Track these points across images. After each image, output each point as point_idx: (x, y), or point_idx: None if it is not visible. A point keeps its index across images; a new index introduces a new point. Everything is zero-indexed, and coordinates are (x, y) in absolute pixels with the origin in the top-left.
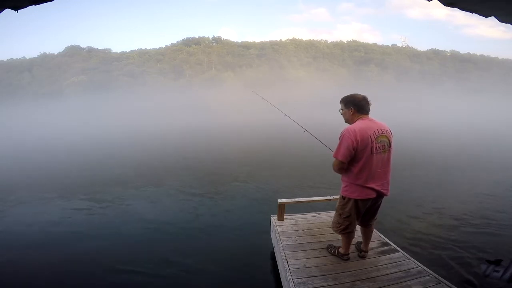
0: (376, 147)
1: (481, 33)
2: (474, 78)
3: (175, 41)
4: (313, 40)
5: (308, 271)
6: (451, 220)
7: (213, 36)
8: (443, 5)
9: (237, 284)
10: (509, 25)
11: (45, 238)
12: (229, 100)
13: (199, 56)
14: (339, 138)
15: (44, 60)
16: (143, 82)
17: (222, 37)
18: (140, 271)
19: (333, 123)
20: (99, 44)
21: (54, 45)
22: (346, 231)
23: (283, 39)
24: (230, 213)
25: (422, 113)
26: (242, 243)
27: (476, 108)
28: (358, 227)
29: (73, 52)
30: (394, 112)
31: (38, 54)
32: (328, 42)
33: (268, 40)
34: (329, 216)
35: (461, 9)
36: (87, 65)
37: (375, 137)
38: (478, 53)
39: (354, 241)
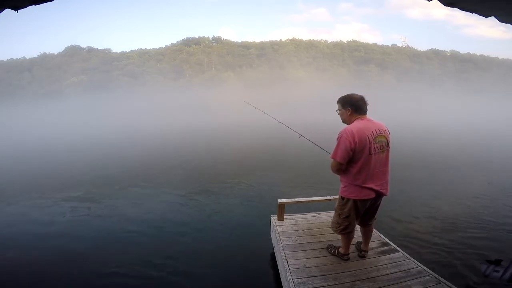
0: (374, 148)
1: (481, 33)
2: (474, 78)
3: (175, 41)
4: (313, 40)
5: (308, 271)
6: (451, 220)
7: (213, 36)
8: (443, 5)
9: (237, 284)
10: (509, 25)
11: (43, 238)
12: (229, 100)
13: (199, 56)
14: (337, 139)
15: (44, 60)
16: (143, 82)
17: (222, 37)
18: (140, 271)
19: (334, 123)
20: (99, 44)
21: (54, 45)
22: (345, 231)
23: (283, 39)
24: (230, 213)
25: (422, 113)
26: (242, 243)
27: (476, 108)
28: (357, 227)
29: (73, 52)
30: (394, 112)
31: (38, 54)
32: (328, 42)
33: (268, 40)
34: (329, 216)
35: (461, 9)
36: (87, 65)
37: (373, 137)
38: (478, 53)
39: (354, 241)
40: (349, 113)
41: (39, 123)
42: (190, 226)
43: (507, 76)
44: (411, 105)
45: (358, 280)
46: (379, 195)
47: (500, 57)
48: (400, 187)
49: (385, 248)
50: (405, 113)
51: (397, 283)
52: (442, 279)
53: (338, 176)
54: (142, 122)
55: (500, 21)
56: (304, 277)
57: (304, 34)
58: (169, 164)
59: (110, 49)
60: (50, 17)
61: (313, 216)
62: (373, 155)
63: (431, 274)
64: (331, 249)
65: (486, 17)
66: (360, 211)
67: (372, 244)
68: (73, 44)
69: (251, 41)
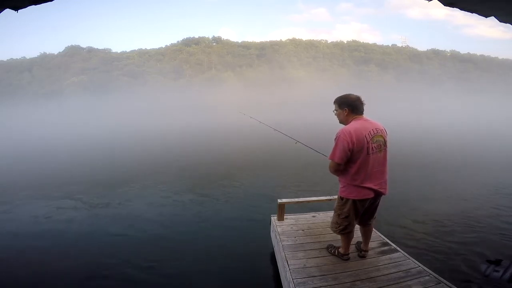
0: (372, 147)
1: (481, 33)
2: (474, 78)
3: (175, 41)
4: (313, 40)
5: (308, 271)
6: (451, 220)
7: (213, 36)
8: (443, 5)
9: (237, 284)
10: (509, 25)
11: (41, 238)
12: (229, 100)
13: (199, 56)
14: (335, 140)
15: (44, 60)
16: (143, 82)
17: (222, 37)
18: (139, 271)
19: (334, 123)
20: (99, 44)
21: (54, 45)
22: (345, 231)
23: (283, 39)
24: (230, 213)
25: (422, 113)
26: (242, 243)
27: (476, 108)
28: (357, 227)
29: (73, 52)
30: (394, 112)
31: (38, 54)
32: (328, 42)
33: (268, 40)
34: (329, 216)
35: (461, 9)
36: (87, 65)
37: (371, 137)
38: (478, 53)
39: (354, 241)
40: (346, 113)
41: (39, 123)
42: (190, 226)
43: (507, 76)
44: (411, 105)
45: (358, 280)
46: (378, 194)
47: (500, 57)
48: (400, 187)
49: (385, 248)
50: (405, 113)
51: (397, 283)
52: (442, 279)
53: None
54: (142, 122)
55: (500, 21)
56: (304, 277)
57: (304, 34)
58: (169, 164)
59: (110, 49)
60: (50, 17)
61: (313, 216)
62: (371, 154)
63: (431, 274)
64: (331, 249)
65: (486, 17)
66: (359, 211)
67: (372, 244)
68: (73, 44)
69: (251, 41)
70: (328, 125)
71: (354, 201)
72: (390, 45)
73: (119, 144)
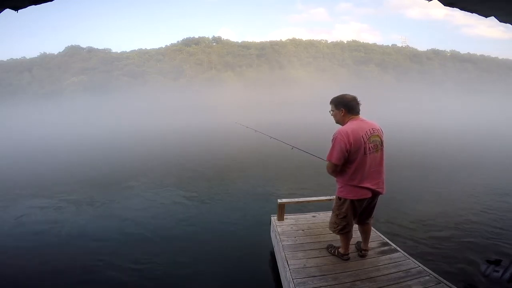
0: (369, 147)
1: (480, 33)
2: (474, 78)
3: (175, 41)
4: (313, 40)
5: (308, 271)
6: (452, 220)
7: (213, 36)
8: (443, 5)
9: (237, 284)
10: (509, 25)
11: (40, 238)
12: (229, 100)
13: (199, 56)
14: (332, 141)
15: (44, 60)
16: (143, 82)
17: (222, 37)
18: (139, 271)
19: (334, 124)
20: (99, 44)
21: (54, 45)
22: (343, 231)
23: (283, 39)
24: (230, 213)
25: (422, 113)
26: (242, 243)
27: (476, 108)
28: (355, 227)
29: (73, 52)
30: (394, 112)
31: (38, 54)
32: (328, 42)
33: (268, 40)
34: (329, 216)
35: (461, 9)
36: (87, 65)
37: (367, 137)
38: (478, 53)
39: (353, 241)
40: (342, 113)
41: (39, 123)
42: (190, 226)
43: (507, 76)
44: (411, 105)
45: (358, 280)
46: (375, 194)
47: (500, 57)
48: (400, 187)
49: (385, 248)
50: (405, 113)
51: (397, 283)
52: (442, 279)
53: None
54: (142, 122)
55: (500, 21)
56: (304, 277)
57: (304, 34)
58: (168, 164)
59: (110, 49)
60: (50, 17)
61: (313, 216)
62: (368, 155)
63: (431, 274)
64: (331, 249)
65: (486, 17)
66: (357, 211)
67: (372, 244)
68: (73, 44)
69: (251, 41)
70: (328, 125)
71: (352, 201)
72: (390, 45)
73: (119, 144)
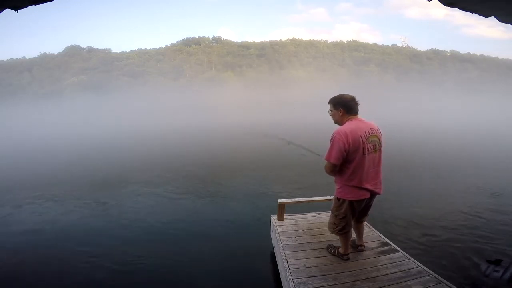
0: (367, 148)
1: (480, 33)
2: (474, 78)
3: (175, 41)
4: (313, 40)
5: (308, 271)
6: (452, 220)
7: (213, 36)
8: (443, 5)
9: (237, 284)
10: (508, 25)
11: (39, 238)
12: (229, 100)
13: (199, 56)
14: (330, 141)
15: (44, 60)
16: (143, 82)
17: (222, 37)
18: (138, 271)
19: (334, 123)
20: (99, 44)
21: (54, 45)
22: (343, 231)
23: (283, 39)
24: (230, 213)
25: (422, 113)
26: (242, 243)
27: (476, 108)
28: None
29: (73, 52)
30: (394, 112)
31: (38, 54)
32: (328, 42)
33: (268, 40)
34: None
35: (461, 9)
36: (87, 65)
37: (366, 137)
38: (478, 53)
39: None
40: (341, 113)
41: (39, 123)
42: (189, 226)
43: (507, 76)
44: (411, 105)
45: (358, 280)
46: (373, 194)
47: (500, 57)
48: (400, 187)
49: (385, 248)
50: (405, 113)
51: (397, 283)
52: (442, 279)
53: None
54: (142, 122)
55: (500, 21)
56: (304, 277)
57: (304, 34)
58: (168, 164)
59: (110, 49)
60: (50, 17)
61: (313, 216)
62: (366, 155)
63: (431, 274)
64: (331, 249)
65: (486, 17)
66: (356, 211)
67: (372, 244)
68: (73, 44)
69: (251, 41)
70: (328, 125)
71: (351, 202)
72: (390, 45)
73: (119, 144)
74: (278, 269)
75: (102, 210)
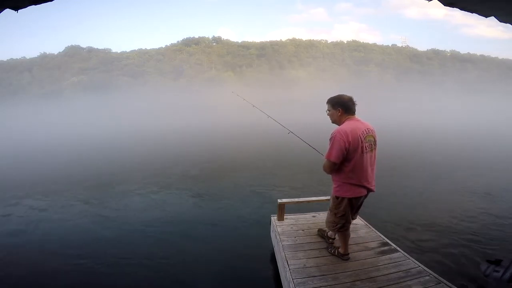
0: (365, 147)
1: (480, 32)
2: (474, 78)
3: (175, 41)
4: (313, 40)
5: (308, 271)
6: (452, 220)
7: (213, 36)
8: (443, 5)
9: (237, 284)
10: (508, 25)
11: (38, 237)
12: (229, 100)
13: (199, 56)
14: (330, 140)
15: (44, 60)
16: (143, 82)
17: (222, 37)
18: (138, 271)
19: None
20: (99, 44)
21: (54, 45)
22: (342, 229)
23: (283, 39)
24: (230, 213)
25: (422, 113)
26: (242, 243)
27: (476, 108)
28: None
29: (73, 52)
30: (394, 112)
31: (38, 54)
32: (328, 42)
33: (268, 40)
34: None
35: (461, 9)
36: (87, 65)
37: (364, 137)
38: (478, 53)
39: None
40: (339, 113)
41: (39, 123)
42: (189, 226)
43: (507, 76)
44: (411, 105)
45: (358, 280)
46: (368, 191)
47: (500, 57)
48: (400, 187)
49: (385, 248)
50: (405, 113)
51: (397, 283)
52: (442, 279)
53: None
54: (142, 122)
55: (500, 21)
56: (304, 277)
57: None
58: (168, 164)
59: (110, 49)
60: (50, 17)
61: (313, 216)
62: (364, 154)
63: (431, 274)
64: (331, 249)
65: (486, 17)
66: (354, 208)
67: (372, 244)
68: (73, 44)
69: (251, 41)
70: (328, 125)
71: (349, 199)
72: (390, 45)
73: (119, 144)
74: (278, 269)
75: (101, 210)
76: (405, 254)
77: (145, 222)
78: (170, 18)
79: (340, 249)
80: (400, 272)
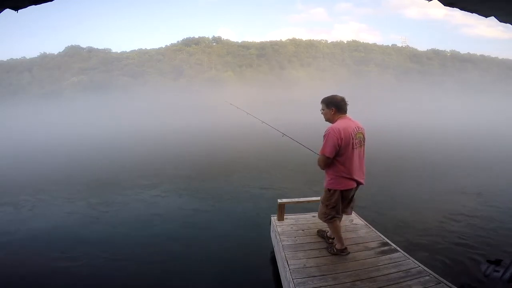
0: (355, 143)
1: (479, 32)
2: (474, 78)
3: (175, 41)
4: (313, 40)
5: (308, 271)
6: (452, 220)
7: (213, 36)
8: (443, 5)
9: (237, 284)
10: (508, 24)
11: (37, 238)
12: (229, 100)
13: (199, 56)
14: (324, 137)
15: (44, 60)
16: (143, 82)
17: (222, 37)
18: (138, 271)
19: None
20: (99, 44)
21: (54, 45)
22: (333, 219)
23: (283, 39)
24: (230, 213)
25: (422, 113)
26: (242, 243)
27: (476, 108)
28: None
29: (73, 52)
30: (394, 112)
31: (38, 54)
32: (328, 42)
33: (268, 40)
34: None
35: (461, 9)
36: (87, 65)
37: (354, 134)
38: (478, 53)
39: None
40: (332, 112)
41: (39, 123)
42: (189, 226)
43: (507, 76)
44: (411, 105)
45: (358, 280)
46: (358, 184)
47: (500, 57)
48: (400, 187)
49: (385, 248)
50: (405, 113)
51: (397, 283)
52: (442, 279)
53: None
54: (142, 122)
55: (500, 21)
56: (304, 277)
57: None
58: (168, 164)
59: (110, 49)
60: (50, 17)
61: (313, 216)
62: (355, 149)
63: (431, 274)
64: (330, 249)
65: (486, 17)
66: (345, 200)
67: (372, 244)
68: (73, 44)
69: (251, 41)
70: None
71: (341, 191)
72: (390, 45)
73: (119, 144)
74: (278, 269)
75: (101, 210)
76: (405, 254)
77: (144, 222)
78: (170, 18)
79: (336, 246)
80: (400, 272)
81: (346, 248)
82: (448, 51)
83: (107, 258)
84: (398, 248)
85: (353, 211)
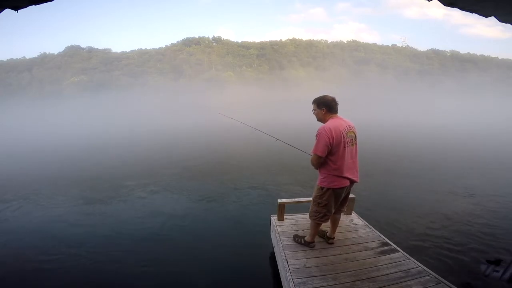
0: (347, 142)
1: (479, 32)
2: (474, 78)
3: (175, 41)
4: (312, 40)
5: (308, 271)
6: (452, 220)
7: (213, 36)
8: (442, 5)
9: (237, 284)
10: (508, 24)
11: (37, 238)
12: (229, 100)
13: (199, 56)
14: (316, 136)
15: (44, 60)
16: (143, 82)
17: (222, 37)
18: (138, 271)
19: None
20: (99, 44)
21: (54, 45)
22: (323, 218)
23: (283, 39)
24: (230, 213)
25: (422, 113)
26: (242, 243)
27: (475, 108)
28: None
29: (73, 52)
30: (394, 112)
31: (38, 54)
32: (328, 42)
33: (268, 40)
34: None
35: (461, 9)
36: (87, 65)
37: (346, 133)
38: (478, 52)
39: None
40: (323, 112)
41: (39, 123)
42: (189, 226)
43: (507, 76)
44: (411, 105)
45: (358, 280)
46: (351, 182)
47: (500, 57)
48: (400, 187)
49: (385, 248)
50: (405, 113)
51: (397, 283)
52: (442, 279)
53: None
54: (142, 122)
55: (500, 21)
56: (304, 277)
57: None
58: (167, 164)
59: (110, 49)
60: (50, 17)
61: None
62: (346, 148)
63: (431, 274)
64: (297, 239)
65: (486, 17)
66: (338, 199)
67: (372, 244)
68: (73, 44)
69: (251, 41)
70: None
71: (333, 190)
72: (390, 45)
73: (118, 144)
74: (278, 269)
75: (101, 209)
76: (405, 254)
77: (144, 221)
78: (170, 18)
79: (307, 237)
80: (400, 272)
81: (314, 242)
82: (448, 51)
83: (106, 256)
84: (398, 248)
85: (353, 211)
